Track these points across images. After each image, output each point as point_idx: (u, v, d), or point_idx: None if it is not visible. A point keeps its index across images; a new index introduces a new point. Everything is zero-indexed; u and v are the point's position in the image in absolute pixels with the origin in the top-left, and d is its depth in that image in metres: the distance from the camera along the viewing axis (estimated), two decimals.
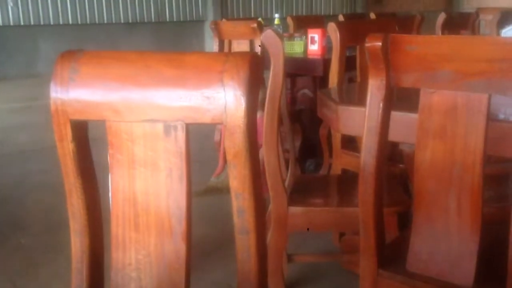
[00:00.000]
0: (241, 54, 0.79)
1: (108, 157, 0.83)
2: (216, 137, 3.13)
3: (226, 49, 3.07)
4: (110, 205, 0.84)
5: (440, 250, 1.16)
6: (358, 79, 2.32)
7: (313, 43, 3.22)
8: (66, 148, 0.81)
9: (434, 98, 1.15)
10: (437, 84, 1.13)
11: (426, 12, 12.08)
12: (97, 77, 0.82)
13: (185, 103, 0.78)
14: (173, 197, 0.81)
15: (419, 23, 2.93)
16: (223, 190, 2.93)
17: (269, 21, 4.12)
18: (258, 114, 2.84)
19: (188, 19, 9.42)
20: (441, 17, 3.18)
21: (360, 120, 1.24)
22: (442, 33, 3.15)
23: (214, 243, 2.49)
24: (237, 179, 0.76)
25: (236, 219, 0.75)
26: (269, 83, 1.60)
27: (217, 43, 3.08)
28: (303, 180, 1.96)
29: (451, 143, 1.14)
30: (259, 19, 3.58)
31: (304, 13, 10.96)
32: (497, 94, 1.08)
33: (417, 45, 1.14)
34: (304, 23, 4.30)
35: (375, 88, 1.19)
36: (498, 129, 1.17)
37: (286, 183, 1.73)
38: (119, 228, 0.84)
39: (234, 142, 0.77)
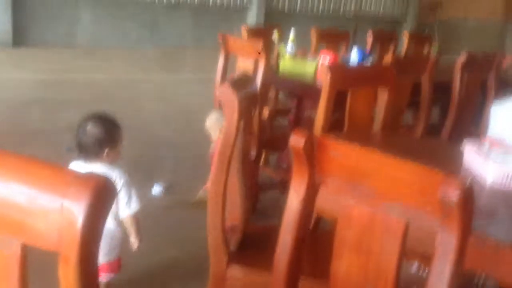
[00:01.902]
0: (88, 178, 0.73)
1: None
2: (211, 150, 3.09)
3: (230, 65, 3.00)
4: None
5: None
6: (346, 127, 2.22)
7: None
8: None
9: (354, 210, 1.06)
10: (357, 197, 1.05)
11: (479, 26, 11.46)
12: None
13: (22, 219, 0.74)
14: None
15: (432, 66, 2.76)
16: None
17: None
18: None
19: (231, 5, 9.34)
20: (462, 57, 2.99)
21: None
22: (461, 76, 2.97)
23: (184, 267, 2.46)
24: None
25: None
26: (221, 140, 1.53)
27: (223, 57, 3.01)
28: (261, 230, 1.87)
29: (366, 260, 1.06)
30: (275, 32, 3.49)
31: (352, 8, 10.67)
32: (413, 223, 0.98)
33: (339, 152, 1.05)
34: (329, 37, 4.17)
35: (296, 186, 1.12)
36: None
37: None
38: None
39: (67, 276, 0.72)
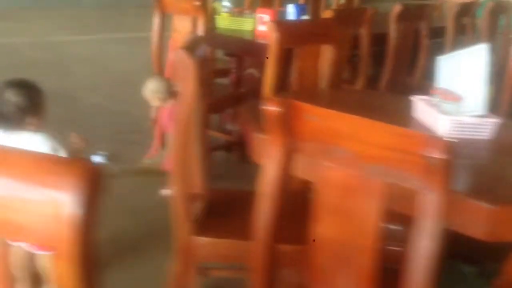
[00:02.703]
0: (76, 165, 0.68)
1: None
2: (152, 115, 2.99)
3: (167, 24, 2.89)
4: None
5: None
6: (294, 86, 2.21)
7: (262, 24, 3.06)
8: None
9: (331, 173, 1.07)
10: (334, 160, 1.05)
11: None
12: None
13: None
14: None
15: (369, 17, 2.80)
16: (155, 173, 2.83)
17: None
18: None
19: None
20: (396, 8, 3.05)
21: None
22: (397, 27, 3.03)
23: (137, 237, 2.42)
24: None
25: None
26: (179, 110, 1.48)
27: (159, 17, 2.89)
28: (223, 196, 1.85)
29: (346, 223, 1.08)
30: None
31: None
32: (392, 182, 1.00)
33: (316, 116, 1.04)
34: None
35: (272, 153, 1.10)
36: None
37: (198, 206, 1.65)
38: None
39: (63, 272, 0.68)
